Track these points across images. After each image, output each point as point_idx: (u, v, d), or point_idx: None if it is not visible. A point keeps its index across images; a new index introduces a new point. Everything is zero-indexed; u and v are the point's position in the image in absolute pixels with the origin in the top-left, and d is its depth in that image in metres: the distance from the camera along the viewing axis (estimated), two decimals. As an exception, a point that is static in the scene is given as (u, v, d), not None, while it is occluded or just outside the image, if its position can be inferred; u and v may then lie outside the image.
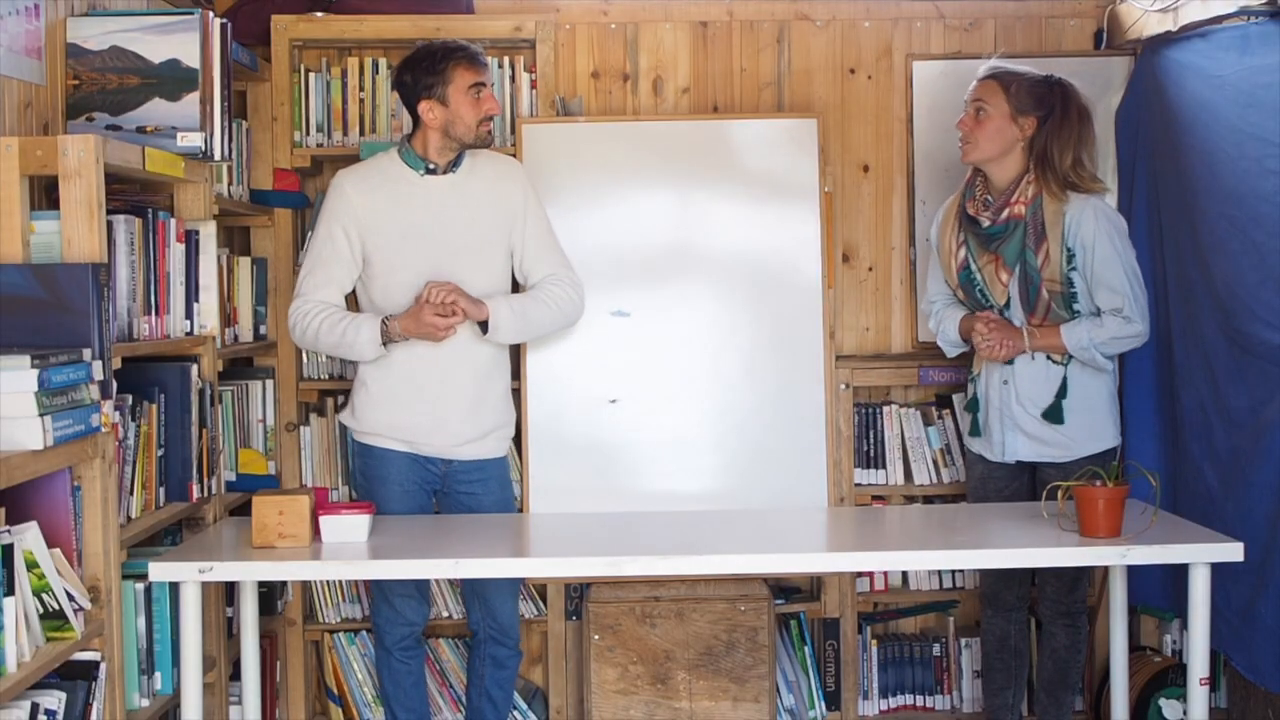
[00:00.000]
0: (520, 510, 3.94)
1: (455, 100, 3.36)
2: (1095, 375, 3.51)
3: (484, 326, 3.41)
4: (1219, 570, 2.95)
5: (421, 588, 3.54)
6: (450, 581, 3.99)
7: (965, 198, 3.58)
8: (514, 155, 3.95)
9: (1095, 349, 3.43)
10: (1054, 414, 3.50)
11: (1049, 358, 3.50)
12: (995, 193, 3.52)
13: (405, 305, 3.40)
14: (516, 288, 3.60)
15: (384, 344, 3.37)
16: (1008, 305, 3.52)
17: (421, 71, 3.38)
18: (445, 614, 4.03)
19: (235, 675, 3.37)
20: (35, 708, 2.38)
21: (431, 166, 3.44)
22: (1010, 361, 3.52)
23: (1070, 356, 3.48)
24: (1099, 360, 3.46)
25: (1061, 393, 3.50)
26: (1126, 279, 3.42)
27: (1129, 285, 3.42)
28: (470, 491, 3.52)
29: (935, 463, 4.09)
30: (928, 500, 4.09)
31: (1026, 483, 3.63)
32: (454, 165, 3.47)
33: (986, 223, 3.50)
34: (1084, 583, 3.68)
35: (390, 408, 3.44)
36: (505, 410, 3.59)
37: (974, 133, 3.48)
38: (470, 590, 3.59)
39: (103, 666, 2.58)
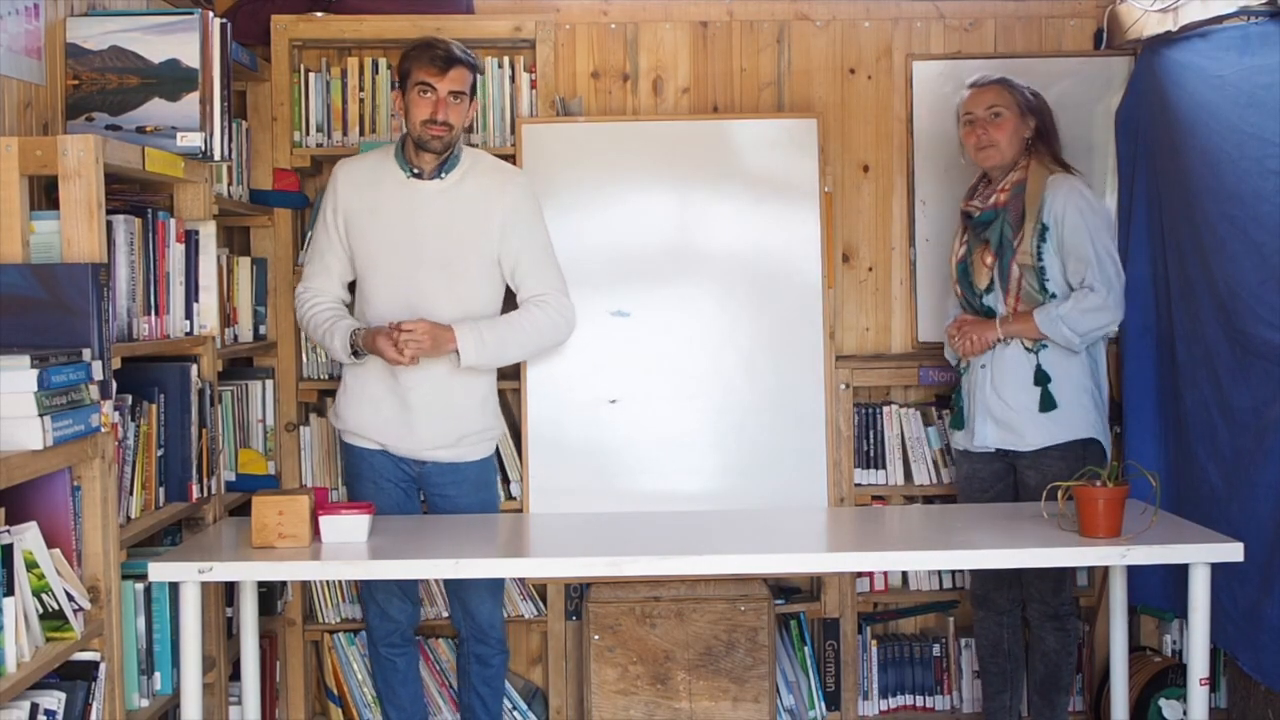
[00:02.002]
0: (520, 510, 3.94)
1: (409, 96, 3.38)
2: (1068, 364, 3.52)
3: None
4: (1224, 570, 2.95)
5: (406, 587, 3.53)
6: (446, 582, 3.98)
7: (964, 198, 3.67)
8: (514, 155, 3.96)
9: (1063, 323, 3.43)
10: (1047, 402, 3.52)
11: (1023, 345, 3.52)
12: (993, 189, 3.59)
13: (380, 308, 3.43)
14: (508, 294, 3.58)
15: (355, 353, 3.40)
16: (989, 289, 3.56)
17: (398, 64, 3.45)
18: (446, 614, 4.02)
19: (235, 675, 3.37)
20: (35, 708, 2.38)
21: (416, 170, 3.43)
22: (991, 347, 3.57)
23: (1042, 345, 3.50)
24: (1068, 336, 3.44)
25: (1042, 378, 3.52)
26: (1093, 249, 3.45)
27: (1094, 255, 3.45)
28: (444, 494, 3.51)
29: (935, 463, 4.09)
30: (928, 500, 4.09)
31: (1011, 484, 3.64)
32: (442, 170, 3.43)
33: (976, 212, 3.59)
34: (1069, 584, 3.69)
35: (363, 407, 3.47)
36: (483, 415, 3.54)
37: (995, 135, 3.55)
38: (451, 591, 3.60)
39: (102, 667, 2.58)
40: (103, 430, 2.59)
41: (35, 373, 2.32)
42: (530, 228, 3.50)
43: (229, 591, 3.39)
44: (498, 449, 3.91)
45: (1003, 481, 3.65)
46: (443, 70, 3.33)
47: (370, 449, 3.48)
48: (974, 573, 3.80)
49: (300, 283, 3.58)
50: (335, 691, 4.11)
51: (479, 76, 3.51)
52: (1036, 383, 3.52)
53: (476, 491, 3.55)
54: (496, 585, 3.64)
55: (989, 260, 3.55)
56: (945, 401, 4.13)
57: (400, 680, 3.56)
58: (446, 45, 3.38)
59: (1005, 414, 3.55)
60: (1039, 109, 3.61)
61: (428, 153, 3.40)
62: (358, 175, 3.48)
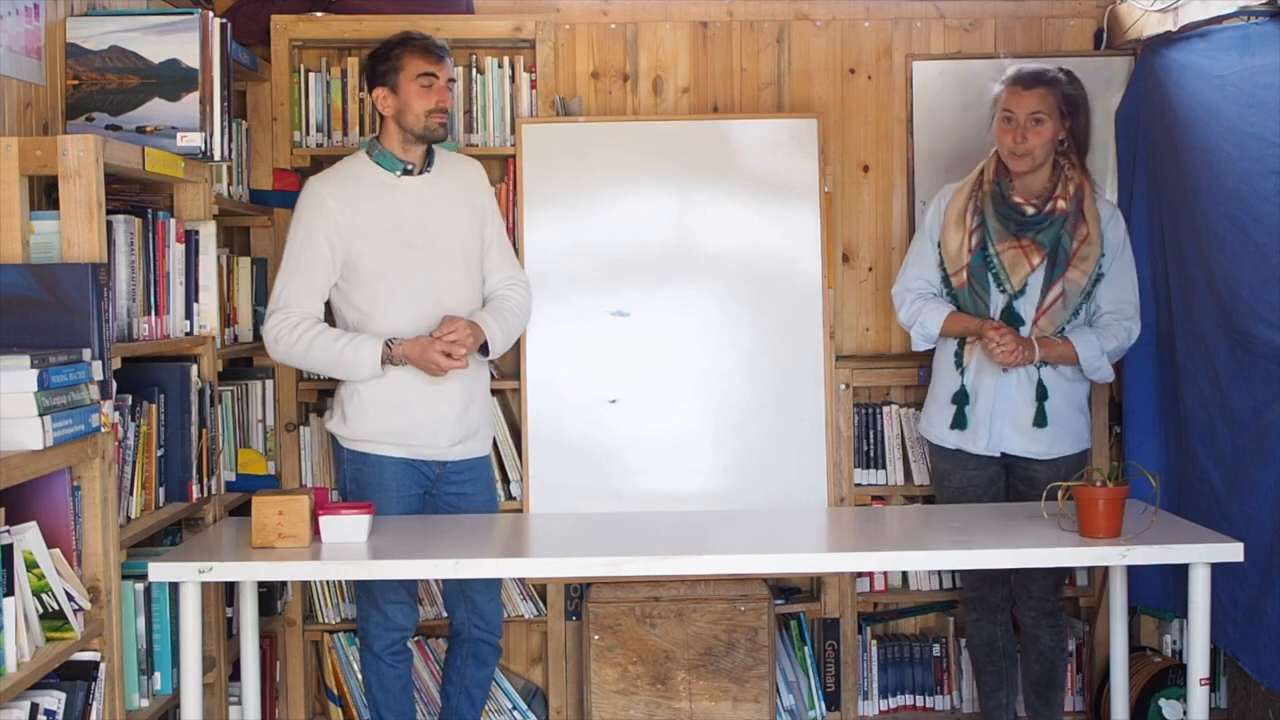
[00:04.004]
0: (520, 510, 3.94)
1: (405, 88, 3.37)
2: (1070, 380, 3.53)
3: (483, 348, 3.44)
4: (1224, 570, 2.95)
5: (413, 592, 3.52)
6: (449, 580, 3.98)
7: (1002, 186, 3.53)
8: (514, 155, 3.97)
9: (1108, 359, 3.49)
10: (1040, 418, 3.52)
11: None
12: (1028, 191, 3.53)
13: (397, 310, 3.39)
14: None
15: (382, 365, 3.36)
16: (1022, 292, 3.50)
17: (378, 59, 3.43)
18: (445, 614, 4.02)
19: (235, 675, 3.37)
20: (35, 708, 2.38)
21: (409, 167, 3.44)
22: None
23: (1044, 361, 3.50)
24: (1106, 371, 3.48)
25: (1042, 394, 3.51)
26: (1134, 287, 3.56)
27: (1134, 292, 3.56)
28: (461, 492, 3.52)
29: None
30: (928, 500, 4.09)
31: (1003, 487, 3.64)
32: (428, 165, 3.48)
33: (1032, 210, 3.50)
34: (1064, 581, 3.69)
35: (384, 413, 3.41)
36: (489, 408, 3.64)
37: (1034, 141, 3.47)
38: (454, 591, 3.58)
39: (102, 667, 2.58)
40: (103, 430, 2.59)
41: (35, 373, 2.32)
42: (499, 213, 3.65)
43: (229, 591, 3.39)
44: (497, 448, 3.96)
45: (996, 485, 3.64)
46: (440, 60, 3.40)
47: (392, 457, 3.43)
48: (967, 576, 3.79)
49: (278, 310, 3.36)
50: (335, 691, 4.11)
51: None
52: (1037, 398, 3.51)
53: (488, 488, 3.60)
54: (498, 582, 3.67)
55: (1035, 260, 3.48)
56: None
57: (402, 687, 3.54)
58: (432, 37, 3.45)
59: (1030, 424, 3.53)
60: (1075, 107, 3.50)
61: (420, 146, 3.43)
62: (343, 189, 3.42)
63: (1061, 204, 3.49)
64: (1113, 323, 3.50)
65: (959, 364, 3.63)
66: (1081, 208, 3.49)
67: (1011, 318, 3.52)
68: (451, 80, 3.44)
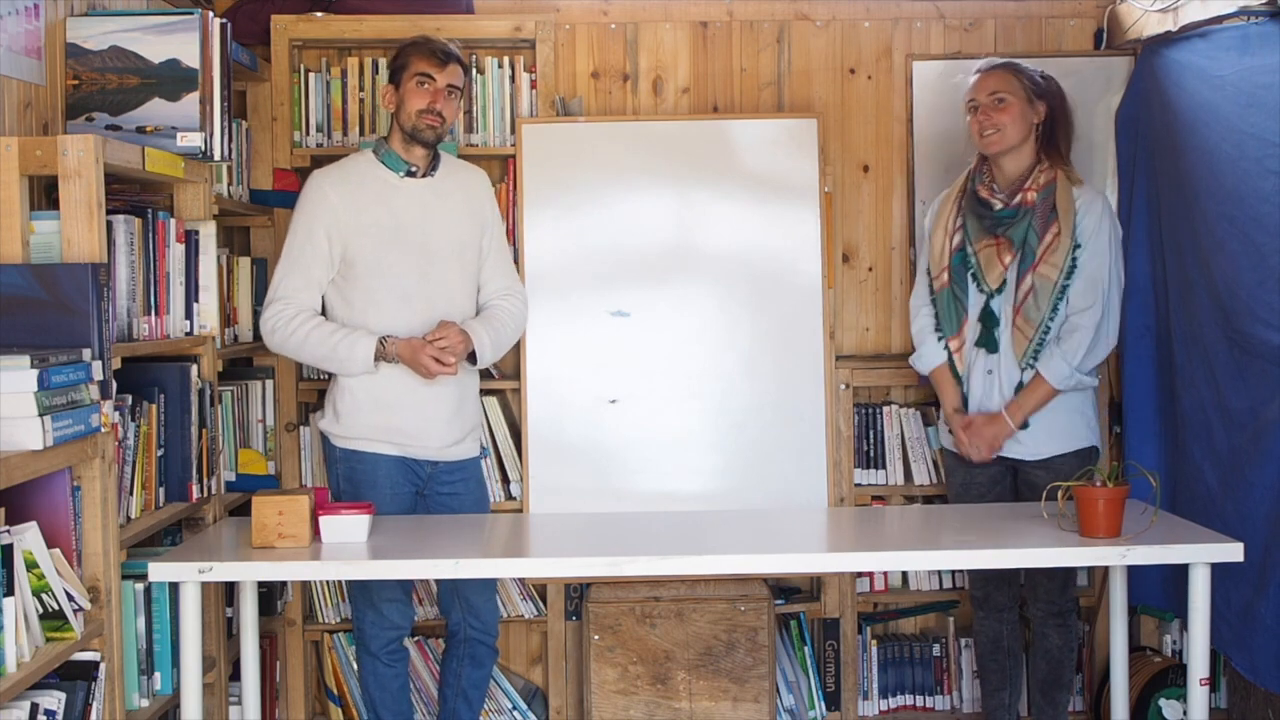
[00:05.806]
0: (520, 510, 3.95)
1: (405, 86, 3.42)
2: None
3: (471, 356, 3.45)
4: (1219, 570, 2.95)
5: (408, 590, 3.53)
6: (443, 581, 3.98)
7: (975, 182, 3.59)
8: (514, 155, 3.97)
9: (1080, 374, 3.47)
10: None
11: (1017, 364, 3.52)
12: (1005, 181, 3.55)
13: (390, 310, 3.40)
14: None
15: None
16: (1000, 289, 3.52)
17: (393, 58, 3.50)
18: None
19: (235, 675, 3.37)
20: (35, 708, 2.38)
21: (413, 169, 3.45)
22: (994, 350, 3.52)
23: (1030, 363, 3.49)
24: (1087, 383, 3.50)
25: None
26: (1109, 275, 3.48)
27: (1108, 281, 3.48)
28: (453, 492, 3.52)
29: (935, 463, 4.09)
30: (928, 500, 4.09)
31: (1009, 487, 3.64)
32: (432, 168, 3.49)
33: (999, 205, 3.52)
34: (1074, 582, 3.69)
35: (378, 411, 3.42)
36: (480, 410, 3.68)
37: (999, 119, 3.50)
38: (449, 591, 3.58)
39: (102, 667, 2.58)
40: (103, 430, 2.59)
41: (35, 373, 2.32)
42: (500, 223, 3.66)
43: (229, 591, 3.39)
44: (497, 448, 3.98)
45: (1000, 485, 3.64)
46: (442, 64, 3.41)
47: (385, 455, 3.44)
48: (972, 575, 3.80)
49: (276, 301, 3.39)
50: (335, 691, 4.11)
51: (468, 79, 3.59)
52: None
53: (479, 488, 3.62)
54: (494, 583, 3.67)
55: (1007, 259, 3.50)
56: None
57: (400, 686, 3.54)
58: (444, 42, 3.47)
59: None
60: (1049, 93, 3.55)
61: (421, 146, 3.44)
62: (346, 185, 3.44)
63: (1031, 195, 3.49)
64: (1076, 326, 3.47)
65: (961, 385, 3.66)
66: (1054, 202, 3.48)
67: (989, 317, 3.54)
68: (454, 87, 3.43)
